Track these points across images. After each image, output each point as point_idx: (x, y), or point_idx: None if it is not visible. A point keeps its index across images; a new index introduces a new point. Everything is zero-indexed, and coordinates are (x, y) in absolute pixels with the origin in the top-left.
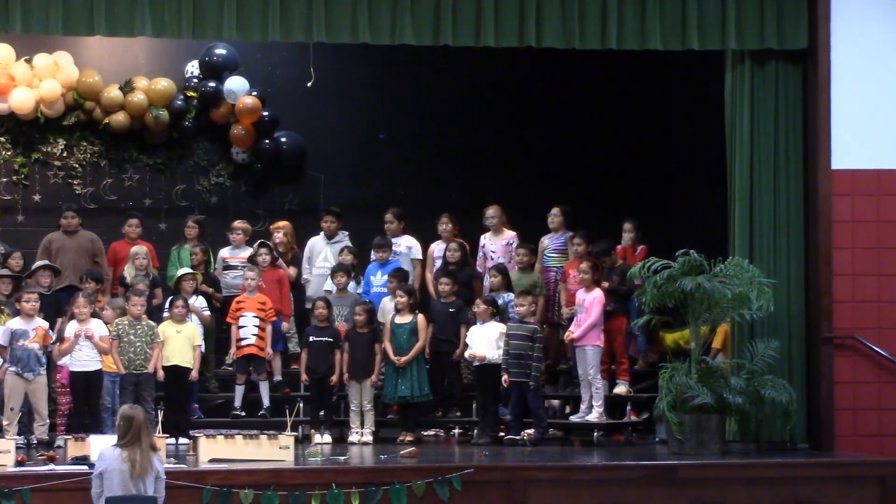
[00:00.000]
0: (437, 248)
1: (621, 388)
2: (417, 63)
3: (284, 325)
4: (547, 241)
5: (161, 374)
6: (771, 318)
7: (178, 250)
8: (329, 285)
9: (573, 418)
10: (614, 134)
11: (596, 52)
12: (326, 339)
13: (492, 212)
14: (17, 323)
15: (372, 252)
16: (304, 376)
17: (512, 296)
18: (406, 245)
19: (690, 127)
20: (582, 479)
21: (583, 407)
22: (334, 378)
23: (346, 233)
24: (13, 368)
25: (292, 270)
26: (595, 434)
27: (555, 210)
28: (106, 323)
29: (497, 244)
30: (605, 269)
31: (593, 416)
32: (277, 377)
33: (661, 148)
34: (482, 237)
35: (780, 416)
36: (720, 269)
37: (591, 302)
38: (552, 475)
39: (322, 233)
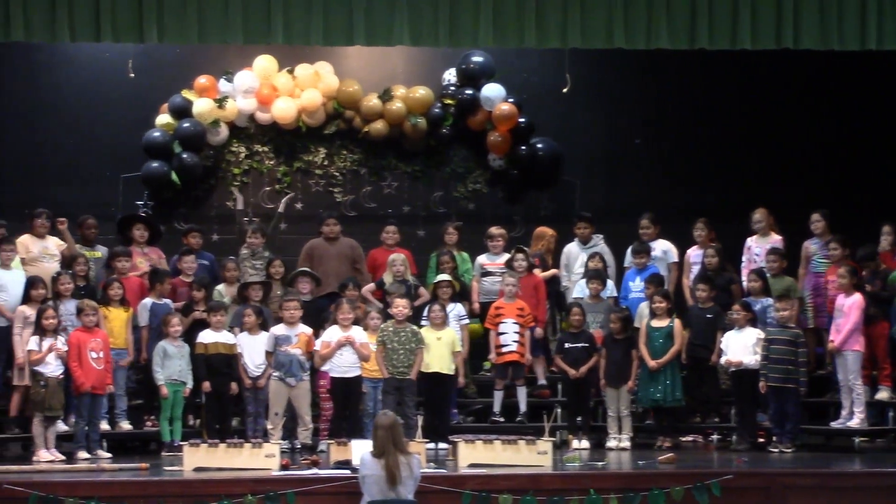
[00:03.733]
0: (694, 253)
1: (883, 394)
2: (673, 67)
3: (538, 331)
4: (814, 247)
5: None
6: None
7: (437, 257)
8: (578, 292)
9: (834, 424)
10: (873, 136)
11: (852, 52)
12: (582, 345)
13: (758, 216)
14: (280, 329)
15: (629, 257)
16: (571, 371)
17: (769, 300)
18: (661, 249)
19: None
20: (842, 485)
21: (843, 413)
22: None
23: (601, 236)
24: (276, 374)
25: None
26: (856, 440)
27: (815, 216)
28: (365, 329)
29: (762, 248)
30: (866, 274)
31: (854, 422)
32: (542, 381)
33: None
34: (748, 240)
35: None
36: None
37: (850, 306)
38: (812, 482)
39: (576, 239)
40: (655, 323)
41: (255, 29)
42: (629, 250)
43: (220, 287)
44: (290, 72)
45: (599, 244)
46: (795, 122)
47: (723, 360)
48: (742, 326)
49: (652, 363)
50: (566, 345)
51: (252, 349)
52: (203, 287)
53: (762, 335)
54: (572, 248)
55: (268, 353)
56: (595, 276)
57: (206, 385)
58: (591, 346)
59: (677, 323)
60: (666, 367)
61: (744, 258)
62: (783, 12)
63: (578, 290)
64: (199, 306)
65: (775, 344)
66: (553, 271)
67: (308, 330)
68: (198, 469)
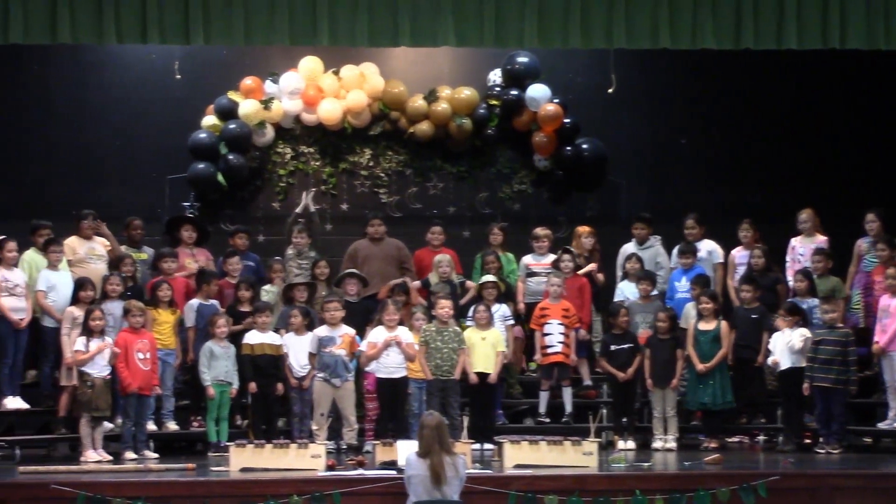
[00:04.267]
0: (739, 254)
1: None
2: (718, 67)
3: (582, 333)
4: (866, 245)
5: (473, 377)
6: None
7: (483, 257)
8: (622, 293)
9: (881, 425)
10: None
11: None
12: (627, 345)
13: (805, 216)
14: (323, 330)
15: (674, 257)
16: (620, 375)
17: (816, 301)
18: (707, 249)
19: None
20: (890, 486)
21: (890, 414)
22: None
23: (658, 237)
24: (321, 375)
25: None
26: None
27: (870, 215)
28: (410, 329)
29: (806, 248)
30: None
31: None
32: (587, 381)
33: None
34: (792, 240)
35: None
36: None
37: None
38: (859, 483)
39: (633, 239)
40: (702, 326)
41: (301, 30)
42: (675, 251)
43: (267, 287)
44: (336, 73)
45: (656, 245)
46: (841, 122)
47: (769, 360)
48: (789, 327)
49: (700, 366)
50: (612, 347)
51: (298, 350)
52: (250, 287)
53: (810, 335)
54: (629, 249)
55: (311, 355)
56: (645, 276)
57: (253, 386)
58: (635, 347)
59: (724, 325)
60: (714, 369)
61: (788, 258)
62: (829, 12)
63: (619, 292)
64: (244, 307)
65: (823, 344)
66: (588, 267)
67: (351, 331)
68: (244, 469)
